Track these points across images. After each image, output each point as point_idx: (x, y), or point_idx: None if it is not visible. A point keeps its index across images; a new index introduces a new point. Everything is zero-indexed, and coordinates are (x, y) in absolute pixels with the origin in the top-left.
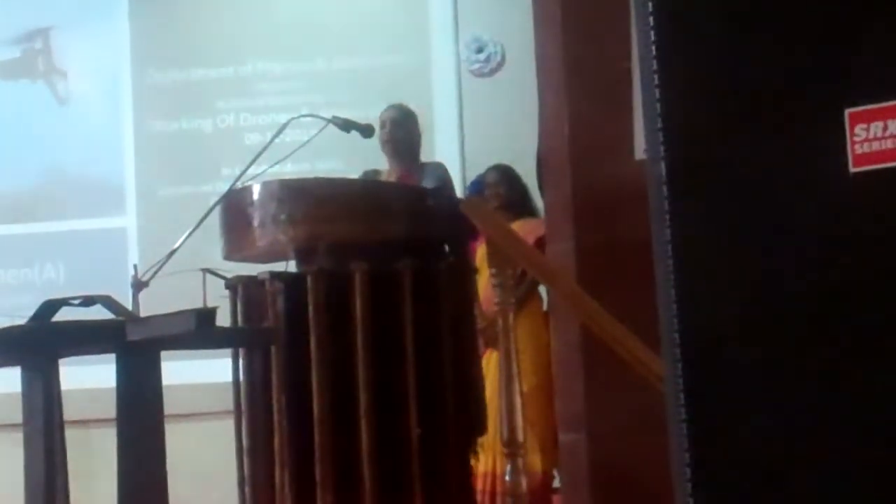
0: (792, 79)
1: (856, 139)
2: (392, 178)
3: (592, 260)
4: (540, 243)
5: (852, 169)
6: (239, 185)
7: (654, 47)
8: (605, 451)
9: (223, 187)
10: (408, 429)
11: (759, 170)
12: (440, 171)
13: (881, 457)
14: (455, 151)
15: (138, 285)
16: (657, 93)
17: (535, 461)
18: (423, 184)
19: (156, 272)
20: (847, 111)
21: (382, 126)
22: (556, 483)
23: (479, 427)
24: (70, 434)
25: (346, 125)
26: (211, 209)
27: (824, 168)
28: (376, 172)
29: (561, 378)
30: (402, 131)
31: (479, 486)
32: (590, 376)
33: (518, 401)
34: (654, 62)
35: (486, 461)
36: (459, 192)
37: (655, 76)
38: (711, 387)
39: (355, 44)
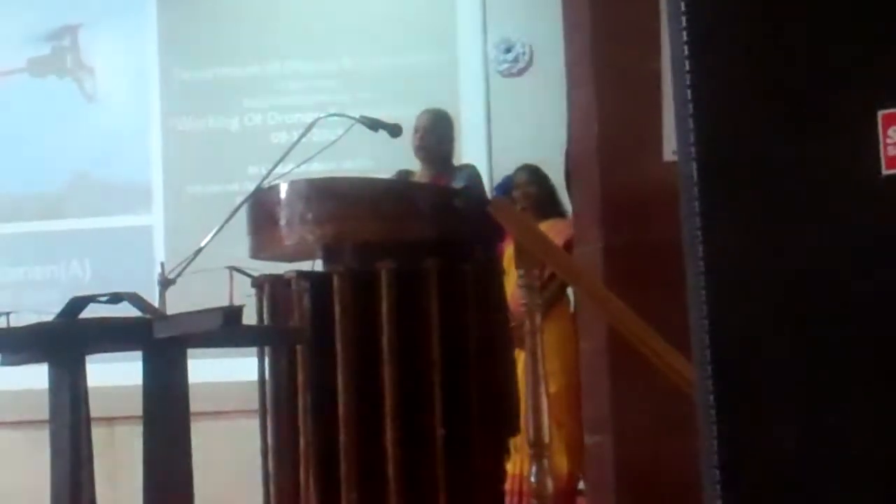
0: (824, 80)
1: (889, 141)
2: (424, 180)
3: (620, 261)
4: (569, 245)
5: (885, 171)
6: (266, 183)
7: (685, 47)
8: (631, 453)
9: (250, 186)
10: (433, 429)
11: (790, 171)
12: (471, 173)
13: None
14: (482, 152)
15: (165, 283)
16: (689, 93)
17: (562, 462)
18: (454, 185)
19: (182, 270)
20: (880, 113)
21: (416, 131)
22: (581, 485)
23: (510, 428)
24: (96, 431)
25: (374, 124)
26: (238, 207)
27: (856, 170)
28: (409, 173)
29: (587, 379)
30: (435, 139)
31: (507, 486)
32: (616, 378)
33: (544, 402)
34: (686, 62)
35: (515, 462)
36: (489, 193)
37: (687, 76)
38: (742, 389)
39: (383, 43)
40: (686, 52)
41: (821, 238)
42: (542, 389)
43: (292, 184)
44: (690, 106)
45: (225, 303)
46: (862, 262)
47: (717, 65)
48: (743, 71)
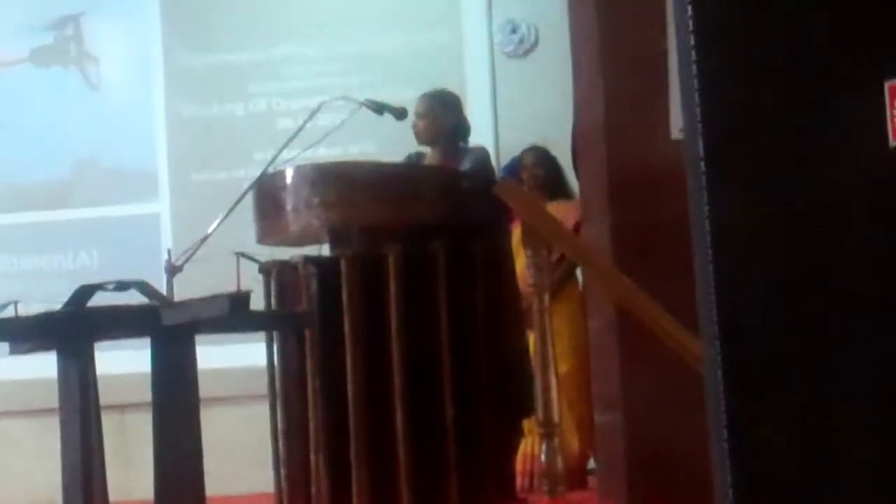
0: (831, 52)
1: None
2: (434, 162)
3: (628, 240)
4: (577, 225)
5: (892, 142)
6: (272, 169)
7: (691, 23)
8: (641, 431)
9: (256, 172)
10: (442, 410)
11: (798, 144)
12: (480, 155)
13: None
14: (489, 133)
15: (172, 270)
16: (694, 69)
17: (573, 442)
18: (461, 167)
19: (189, 257)
20: (887, 84)
21: (417, 118)
22: (592, 464)
23: (522, 409)
24: (107, 419)
25: (379, 108)
26: (244, 193)
27: (864, 142)
28: (420, 156)
29: (597, 358)
30: (435, 123)
31: (519, 466)
32: (625, 357)
33: (553, 381)
34: (692, 37)
35: (527, 442)
36: (497, 174)
37: (693, 52)
38: (751, 364)
39: (388, 26)
40: (691, 28)
41: (829, 213)
42: (552, 369)
43: (298, 169)
44: (696, 82)
45: (232, 289)
46: (872, 233)
47: (722, 40)
48: (748, 46)
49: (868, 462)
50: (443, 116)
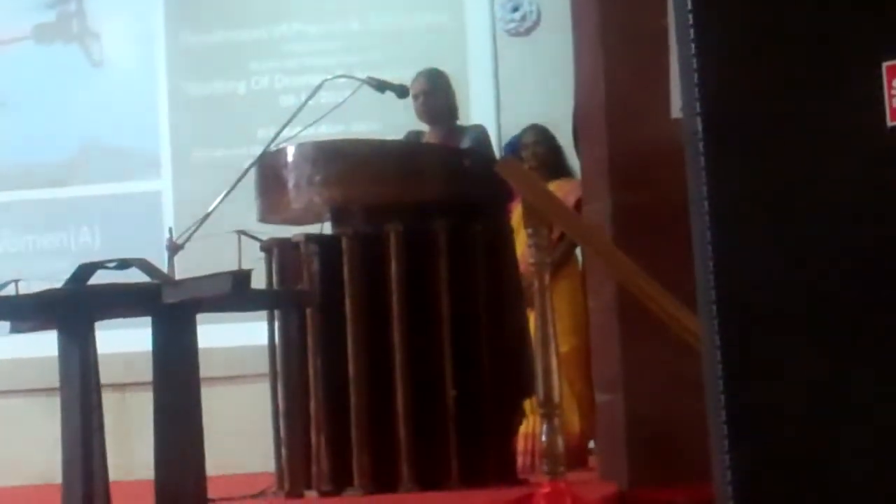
0: (829, 33)
1: (894, 92)
2: (433, 141)
3: (628, 219)
4: (577, 205)
5: (890, 123)
6: (273, 147)
7: (689, 2)
8: (642, 412)
9: (258, 150)
10: (444, 390)
11: (796, 124)
12: (480, 133)
13: None
14: (490, 112)
15: (173, 248)
16: (693, 48)
17: (574, 422)
18: (461, 146)
19: (191, 235)
20: (884, 65)
21: (415, 98)
22: (592, 444)
23: (524, 389)
24: (107, 398)
25: (381, 86)
26: (245, 172)
27: (862, 122)
28: (419, 134)
29: (597, 338)
30: (435, 100)
31: (520, 446)
32: (626, 336)
33: (554, 361)
34: (690, 16)
35: (528, 422)
36: (497, 153)
37: (691, 31)
38: (748, 344)
39: (390, 4)
40: (690, 8)
41: (827, 190)
42: (553, 349)
43: (300, 146)
44: (695, 62)
45: (234, 267)
46: (868, 213)
47: (721, 20)
48: (747, 26)
49: (866, 437)
50: (444, 93)
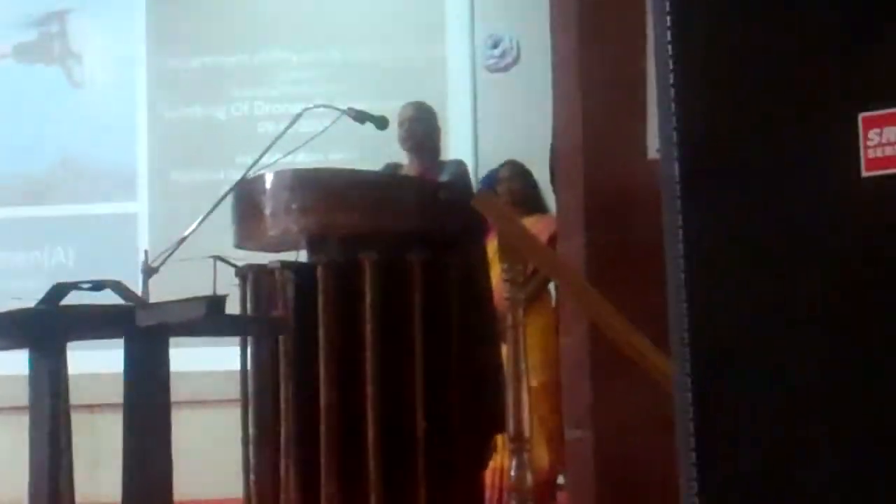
0: (807, 82)
1: (869, 143)
2: (412, 173)
3: (603, 258)
4: (553, 241)
5: (864, 173)
6: (252, 173)
7: (669, 47)
8: (611, 449)
9: (236, 175)
10: (414, 421)
11: (772, 172)
12: (459, 167)
13: (889, 466)
14: (469, 146)
15: (148, 271)
16: (672, 92)
17: (543, 457)
18: (440, 179)
19: (166, 258)
20: (860, 115)
21: (402, 124)
22: (561, 479)
23: (495, 423)
24: (77, 418)
25: (361, 116)
26: (223, 197)
27: (837, 172)
28: (397, 166)
29: (568, 375)
30: (421, 128)
31: (489, 480)
32: (597, 373)
33: (525, 396)
34: (671, 61)
35: (497, 457)
36: (474, 187)
37: (671, 75)
38: (720, 388)
39: (371, 36)
40: (670, 53)
41: (800, 238)
42: (524, 383)
43: (278, 174)
44: (673, 106)
45: (208, 292)
46: (842, 263)
47: (700, 65)
48: (726, 72)
49: (833, 477)
50: (429, 124)
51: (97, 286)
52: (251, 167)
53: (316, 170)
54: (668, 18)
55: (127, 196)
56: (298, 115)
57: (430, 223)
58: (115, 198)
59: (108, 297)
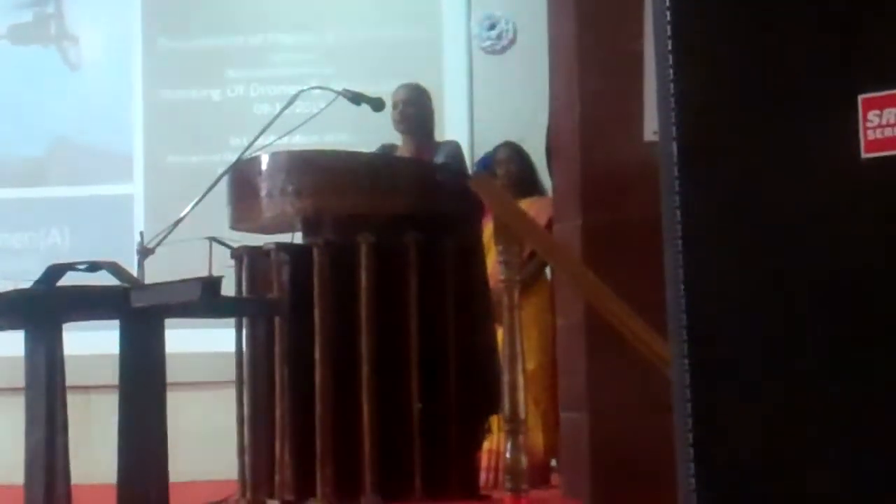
0: (806, 63)
1: (868, 125)
2: (407, 154)
3: (599, 239)
4: (548, 223)
5: (864, 155)
6: (247, 155)
7: (669, 26)
8: (606, 431)
9: (231, 157)
10: (409, 403)
11: (771, 152)
12: (454, 148)
13: (884, 443)
14: (465, 128)
15: (144, 252)
16: (671, 72)
17: (538, 439)
18: (435, 160)
19: (162, 240)
20: (860, 97)
21: (395, 107)
22: (554, 462)
23: (491, 405)
24: (72, 400)
25: (357, 98)
26: (219, 179)
27: (836, 153)
28: (392, 147)
29: (564, 356)
30: (415, 110)
31: (484, 462)
32: (592, 355)
33: (520, 378)
34: (670, 41)
35: (492, 438)
36: (469, 169)
37: (670, 55)
38: (718, 366)
39: (367, 17)
40: (669, 33)
41: (799, 219)
42: (519, 366)
43: (273, 156)
44: (672, 86)
45: (204, 273)
46: (840, 243)
47: (699, 46)
48: (725, 53)
49: (829, 460)
50: (423, 106)
51: (93, 267)
52: (247, 149)
53: (311, 151)
54: None
55: (123, 177)
56: (294, 97)
57: (426, 205)
58: (110, 179)
59: (104, 279)
